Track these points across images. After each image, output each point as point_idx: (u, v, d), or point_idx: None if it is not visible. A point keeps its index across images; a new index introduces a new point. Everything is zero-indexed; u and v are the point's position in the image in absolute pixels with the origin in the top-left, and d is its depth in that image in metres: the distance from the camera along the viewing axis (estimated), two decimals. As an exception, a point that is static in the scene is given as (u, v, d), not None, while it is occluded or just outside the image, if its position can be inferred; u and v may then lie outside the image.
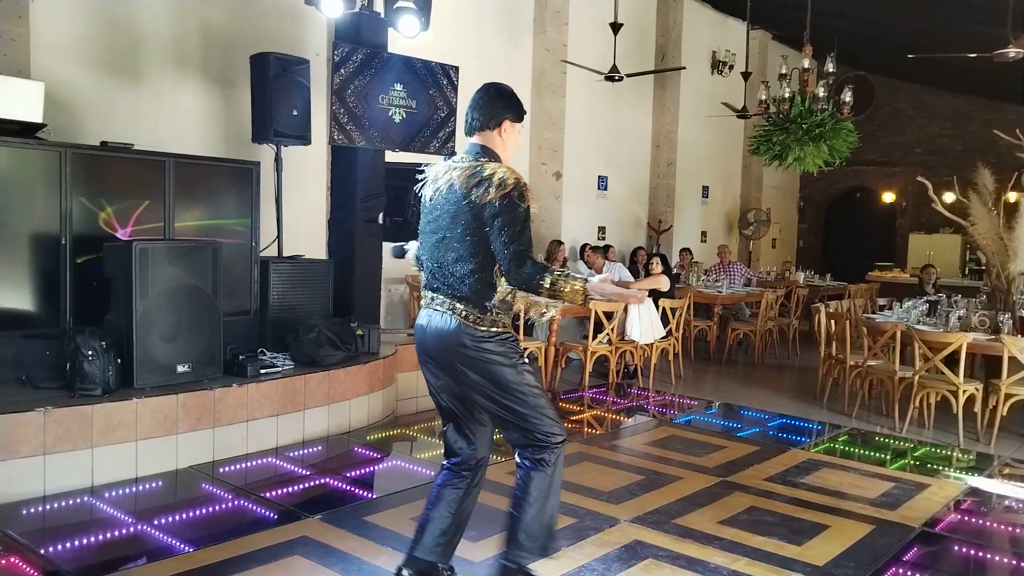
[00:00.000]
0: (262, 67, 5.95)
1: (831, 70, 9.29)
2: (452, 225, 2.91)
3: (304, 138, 6.18)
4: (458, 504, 3.10)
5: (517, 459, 3.00)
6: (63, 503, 4.12)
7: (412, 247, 3.37)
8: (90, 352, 4.44)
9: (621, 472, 4.94)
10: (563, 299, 2.79)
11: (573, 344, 7.65)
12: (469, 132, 3.06)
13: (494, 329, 2.90)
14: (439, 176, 3.01)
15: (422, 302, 3.04)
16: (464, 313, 2.88)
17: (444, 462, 3.16)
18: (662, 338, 7.86)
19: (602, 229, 11.62)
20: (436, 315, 2.95)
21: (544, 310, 3.16)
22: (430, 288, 3.00)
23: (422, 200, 3.09)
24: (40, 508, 4.05)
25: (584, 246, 10.45)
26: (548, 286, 2.75)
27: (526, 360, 3.02)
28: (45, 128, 4.96)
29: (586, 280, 2.77)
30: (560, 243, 9.52)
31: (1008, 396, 5.95)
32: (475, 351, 2.88)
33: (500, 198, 2.80)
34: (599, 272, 8.48)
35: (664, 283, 8.25)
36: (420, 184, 3.11)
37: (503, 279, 2.89)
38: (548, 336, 7.42)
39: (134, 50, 6.33)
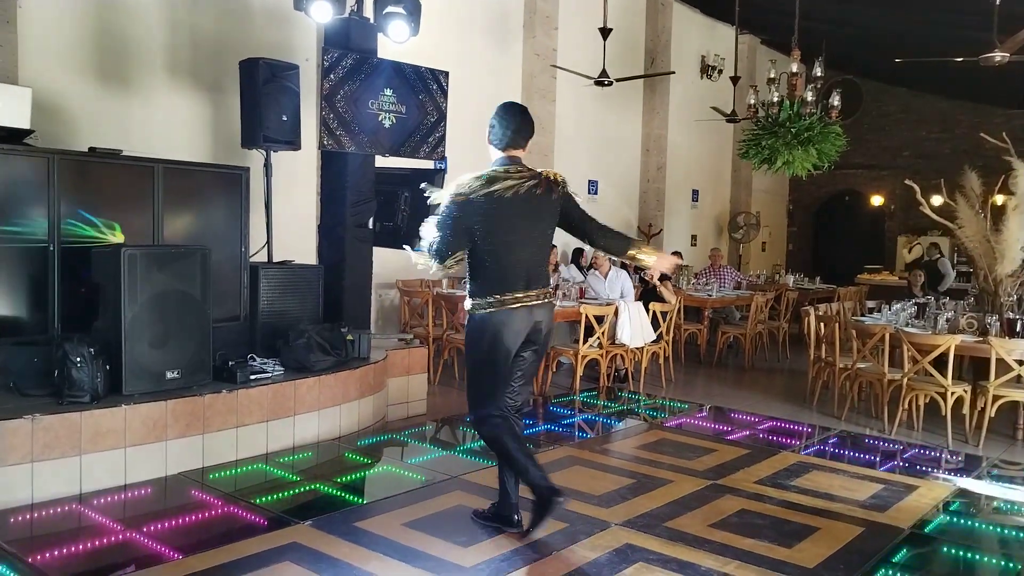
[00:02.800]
0: (251, 72, 5.95)
1: (819, 74, 9.36)
2: (534, 227, 3.75)
3: (294, 143, 6.17)
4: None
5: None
6: (51, 511, 4.10)
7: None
8: (78, 359, 4.42)
9: (612, 476, 4.94)
10: (642, 261, 3.94)
11: (564, 348, 7.65)
12: (510, 147, 3.78)
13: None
14: (498, 185, 3.65)
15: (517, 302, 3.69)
16: (547, 292, 3.81)
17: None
18: (652, 341, 7.88)
19: (592, 233, 11.62)
20: (541, 296, 3.76)
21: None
22: (523, 282, 3.71)
23: (502, 205, 3.66)
24: (28, 516, 4.02)
25: (579, 251, 10.48)
26: (634, 248, 3.91)
27: None
28: (33, 134, 4.95)
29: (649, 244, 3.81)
30: (553, 245, 9.51)
31: (996, 398, 5.98)
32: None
33: (572, 194, 3.85)
34: (605, 277, 8.47)
35: (671, 294, 8.30)
36: (471, 192, 3.67)
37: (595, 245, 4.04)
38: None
39: (123, 56, 6.32)
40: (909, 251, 14.21)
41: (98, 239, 5.04)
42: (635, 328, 7.64)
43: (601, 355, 7.55)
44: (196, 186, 5.69)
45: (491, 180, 3.64)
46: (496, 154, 3.82)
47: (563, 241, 10.71)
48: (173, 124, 6.58)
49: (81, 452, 4.31)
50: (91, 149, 5.26)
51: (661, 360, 8.12)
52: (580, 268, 9.94)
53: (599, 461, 5.29)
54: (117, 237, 5.12)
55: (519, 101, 10.03)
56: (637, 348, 7.75)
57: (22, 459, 4.11)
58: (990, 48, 7.93)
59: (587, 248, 10.30)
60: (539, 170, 3.72)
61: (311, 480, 4.76)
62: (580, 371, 7.46)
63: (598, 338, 7.40)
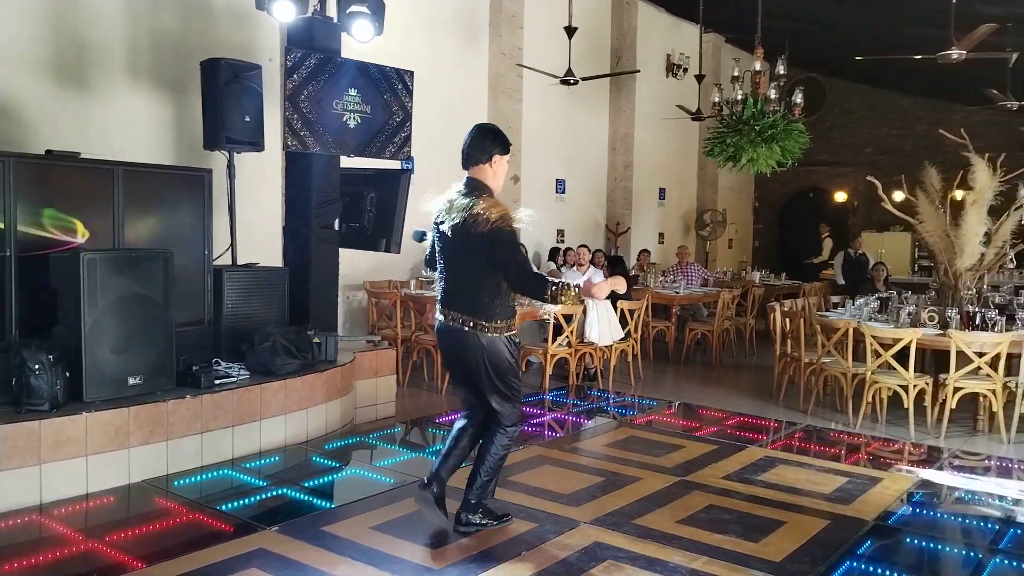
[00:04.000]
0: (213, 73, 5.87)
1: (782, 72, 9.45)
2: (461, 251, 3.71)
3: (257, 144, 6.10)
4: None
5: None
6: (10, 522, 4.01)
7: (430, 234, 4.03)
8: (37, 366, 4.33)
9: (581, 474, 4.95)
10: (563, 303, 3.66)
11: (533, 347, 7.66)
12: (466, 167, 3.81)
13: (497, 334, 3.75)
14: (447, 207, 3.75)
15: (439, 313, 3.88)
16: (472, 321, 3.73)
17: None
18: (621, 339, 7.91)
19: (560, 232, 11.67)
20: (451, 325, 3.78)
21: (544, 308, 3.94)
22: (447, 303, 3.81)
23: (437, 228, 3.83)
24: (-14, 527, 3.93)
25: (555, 250, 10.52)
26: (549, 295, 3.59)
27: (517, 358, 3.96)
28: (-13, 137, 4.84)
29: (579, 286, 3.72)
30: (521, 245, 9.52)
31: (956, 390, 6.09)
32: (483, 349, 3.76)
33: (492, 228, 3.57)
34: (585, 271, 8.48)
35: (621, 285, 8.27)
36: (435, 215, 3.83)
37: (508, 291, 3.76)
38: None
39: (82, 56, 6.21)
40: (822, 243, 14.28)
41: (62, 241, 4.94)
42: (604, 327, 7.66)
43: (570, 354, 7.57)
44: (157, 188, 5.60)
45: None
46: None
47: (530, 241, 10.73)
48: (133, 125, 6.47)
49: (41, 461, 4.23)
50: (48, 152, 5.15)
51: (630, 358, 8.16)
52: (558, 267, 9.95)
53: (568, 460, 5.30)
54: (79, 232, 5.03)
55: (486, 100, 10.09)
56: (606, 346, 7.78)
57: (-21, 469, 4.02)
58: (948, 46, 8.07)
59: (562, 247, 10.36)
60: (470, 200, 3.68)
61: (278, 485, 4.71)
62: (549, 370, 7.47)
63: (567, 337, 7.41)
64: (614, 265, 9.58)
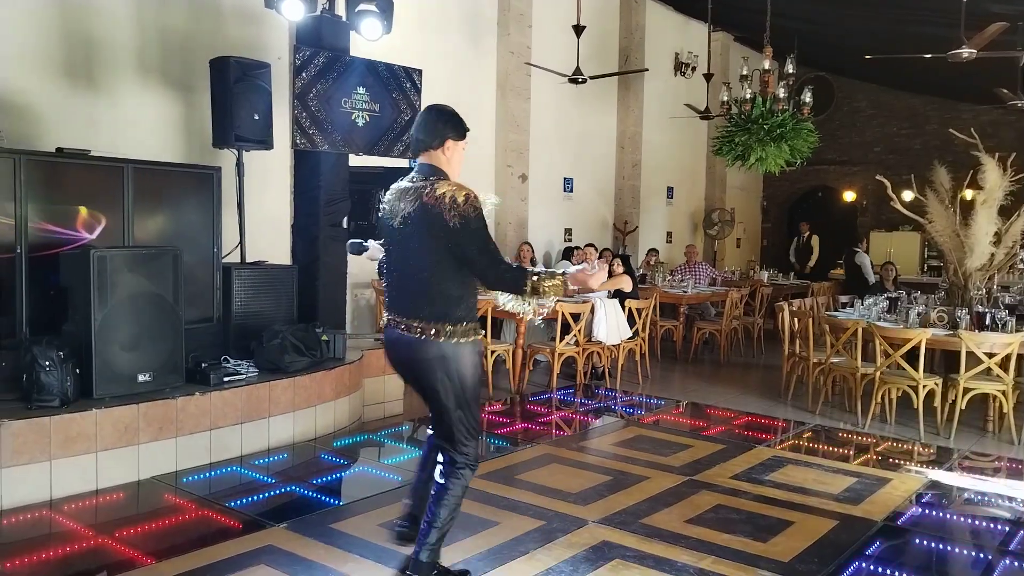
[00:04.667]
0: (222, 71, 5.89)
1: (791, 71, 9.43)
2: (417, 245, 3.11)
3: (266, 142, 6.11)
4: None
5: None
6: (21, 517, 4.03)
7: (372, 245, 3.68)
8: (47, 362, 4.36)
9: (589, 473, 4.95)
10: (546, 295, 3.04)
11: (540, 346, 7.65)
12: (415, 153, 3.28)
13: (465, 339, 3.13)
14: (396, 199, 3.23)
15: (389, 320, 3.26)
16: (432, 328, 3.10)
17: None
18: (629, 338, 7.90)
19: (568, 231, 11.66)
20: (404, 334, 3.17)
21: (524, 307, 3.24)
22: (397, 309, 3.22)
23: (385, 223, 3.28)
24: (-3, 523, 3.96)
25: (569, 250, 10.53)
26: (530, 287, 3.00)
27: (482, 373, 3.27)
28: (-2, 134, 4.86)
29: (564, 273, 3.09)
30: (527, 244, 9.53)
31: (966, 390, 6.06)
32: (444, 360, 3.12)
33: (459, 213, 2.99)
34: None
35: (626, 283, 8.29)
36: (382, 207, 3.30)
37: (475, 287, 3.15)
38: (516, 338, 7.43)
39: (91, 54, 6.23)
40: (801, 241, 14.29)
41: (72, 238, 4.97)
42: (611, 325, 7.66)
43: (578, 353, 7.56)
44: (167, 186, 5.62)
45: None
46: None
47: (537, 240, 10.73)
48: (143, 124, 6.49)
49: (51, 457, 4.25)
50: (59, 149, 5.17)
51: (637, 357, 8.14)
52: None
53: (576, 459, 5.30)
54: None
55: (494, 99, 10.08)
56: (613, 345, 7.77)
57: (-10, 465, 4.04)
58: (958, 45, 8.02)
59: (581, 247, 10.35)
60: (431, 183, 3.14)
61: (286, 482, 4.73)
62: (557, 369, 7.47)
63: (574, 336, 7.41)
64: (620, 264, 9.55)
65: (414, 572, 3.21)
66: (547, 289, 3.01)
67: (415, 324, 3.13)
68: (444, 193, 3.03)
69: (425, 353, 3.12)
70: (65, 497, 4.27)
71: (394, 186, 3.30)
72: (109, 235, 5.19)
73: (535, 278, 3.00)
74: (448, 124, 3.25)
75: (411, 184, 3.21)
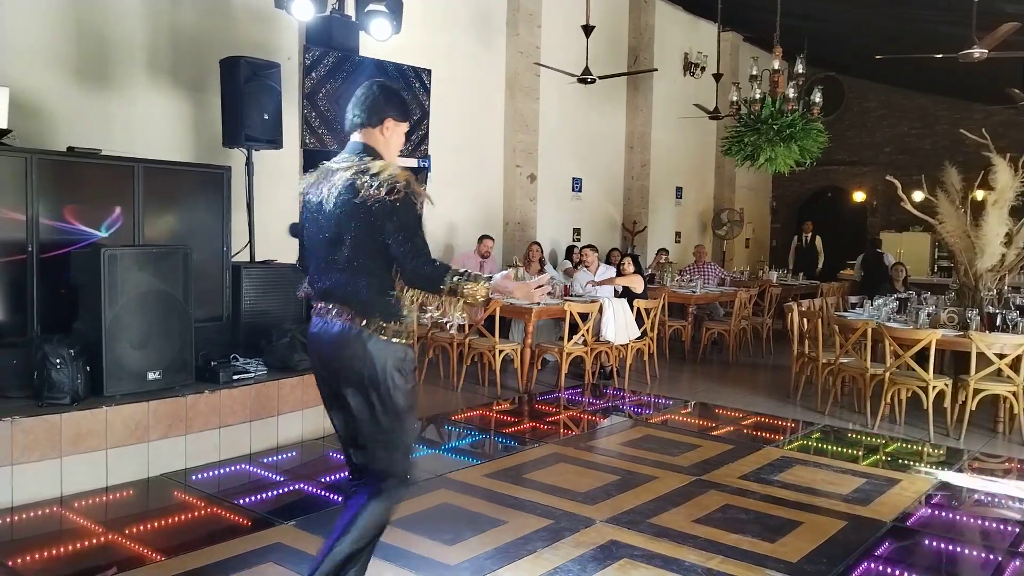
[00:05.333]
0: (232, 71, 5.91)
1: (801, 71, 9.40)
2: (342, 228, 2.74)
3: (275, 142, 6.14)
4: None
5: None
6: (32, 514, 4.06)
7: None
8: (58, 360, 4.38)
9: (597, 472, 4.95)
10: (465, 299, 2.69)
11: (548, 345, 7.65)
12: (350, 130, 2.93)
13: (396, 340, 2.77)
14: (322, 178, 2.87)
15: (315, 310, 2.89)
16: (361, 320, 2.74)
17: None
18: (637, 338, 7.89)
19: (577, 231, 11.66)
20: (332, 323, 2.79)
21: (448, 313, 2.98)
22: (322, 296, 2.85)
23: (306, 205, 2.92)
24: (8, 519, 3.98)
25: (572, 248, 10.53)
26: (448, 287, 2.66)
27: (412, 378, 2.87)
28: (10, 134, 4.89)
29: (489, 278, 2.72)
30: (536, 243, 9.54)
31: (977, 391, 6.03)
32: (371, 359, 2.73)
33: (392, 198, 2.66)
34: (594, 272, 8.50)
35: (637, 282, 8.28)
36: (302, 187, 2.95)
37: (399, 282, 2.77)
38: (524, 338, 7.43)
39: (102, 54, 6.26)
40: (804, 241, 14.20)
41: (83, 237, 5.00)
42: (619, 325, 7.65)
43: (586, 352, 7.56)
44: (177, 185, 5.65)
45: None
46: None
47: (546, 240, 10.73)
48: (153, 123, 6.53)
49: (62, 454, 4.28)
50: (70, 149, 5.21)
51: (646, 357, 8.13)
52: (574, 266, 9.94)
53: (584, 458, 5.30)
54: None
55: (503, 99, 10.09)
56: (622, 345, 7.77)
57: (1, 462, 4.07)
58: (969, 44, 7.99)
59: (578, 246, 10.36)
60: (365, 162, 2.80)
61: (295, 480, 4.74)
62: (565, 368, 7.47)
63: (583, 335, 7.41)
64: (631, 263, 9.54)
65: None
66: (466, 292, 2.66)
67: (345, 312, 2.76)
68: (378, 173, 2.70)
69: (350, 349, 2.74)
70: (75, 494, 4.30)
71: (320, 166, 2.95)
72: (120, 234, 5.22)
73: (455, 279, 2.65)
74: (390, 102, 2.91)
75: (339, 164, 2.85)
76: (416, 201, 2.70)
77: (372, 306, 2.74)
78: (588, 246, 9.27)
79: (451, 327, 2.97)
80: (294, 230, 3.52)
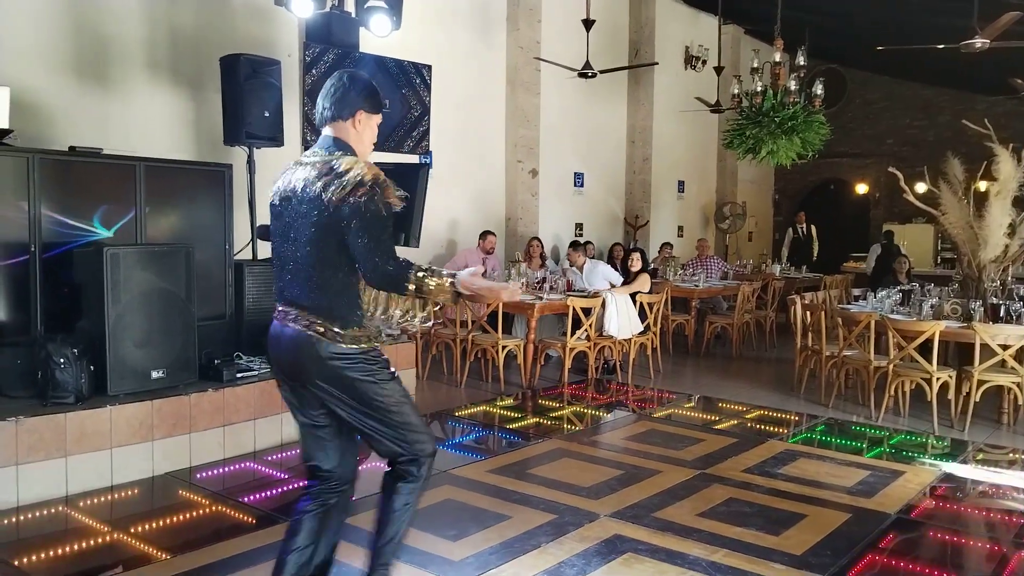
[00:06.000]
0: (232, 69, 5.91)
1: (802, 63, 9.38)
2: (306, 227, 2.66)
3: (276, 140, 6.14)
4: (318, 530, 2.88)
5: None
6: (37, 513, 4.07)
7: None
8: (62, 360, 4.39)
9: (600, 467, 4.95)
10: (431, 297, 2.62)
11: (551, 341, 7.65)
12: (321, 123, 2.82)
13: (355, 346, 2.69)
14: (290, 175, 2.78)
15: (276, 312, 2.82)
16: (321, 326, 2.66)
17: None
18: (640, 333, 7.89)
19: (579, 225, 11.65)
20: (290, 328, 2.72)
21: (412, 313, 2.95)
22: (283, 298, 2.78)
23: (272, 203, 2.84)
24: (14, 519, 3.99)
25: (572, 242, 10.53)
26: (413, 285, 2.58)
27: (392, 371, 2.82)
28: (11, 134, 4.90)
29: (454, 275, 2.62)
30: (537, 239, 9.53)
31: (981, 383, 6.02)
32: (334, 365, 2.67)
33: (358, 196, 2.56)
34: (580, 271, 8.51)
35: (645, 284, 8.22)
36: (275, 185, 2.86)
37: (364, 284, 2.69)
38: (527, 333, 7.43)
39: (102, 53, 6.26)
40: (801, 233, 14.09)
41: (86, 236, 5.01)
42: (622, 320, 7.65)
43: (589, 347, 7.56)
44: (178, 184, 5.65)
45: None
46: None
47: (548, 235, 10.73)
48: (154, 121, 6.53)
49: (66, 454, 4.29)
50: (71, 148, 5.21)
51: (649, 351, 8.13)
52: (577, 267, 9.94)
53: (588, 453, 5.30)
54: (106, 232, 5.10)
55: (504, 94, 10.08)
56: (625, 340, 7.76)
57: (6, 462, 4.08)
58: (971, 35, 7.96)
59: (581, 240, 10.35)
60: (333, 158, 2.71)
61: (300, 478, 4.74)
62: (568, 363, 7.46)
63: (585, 330, 7.40)
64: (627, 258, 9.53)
65: None
66: (432, 288, 2.58)
67: (304, 318, 2.69)
68: (348, 170, 2.61)
69: (311, 354, 2.66)
70: (80, 493, 4.31)
71: (291, 162, 2.86)
72: (122, 233, 5.22)
73: (419, 274, 2.57)
74: (362, 94, 2.79)
75: (310, 159, 2.76)
76: (383, 200, 2.59)
77: (333, 310, 2.67)
78: (588, 242, 9.29)
79: (415, 329, 2.90)
80: (262, 231, 3.40)
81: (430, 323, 2.80)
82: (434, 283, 2.59)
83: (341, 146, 2.76)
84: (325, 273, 2.67)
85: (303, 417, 2.85)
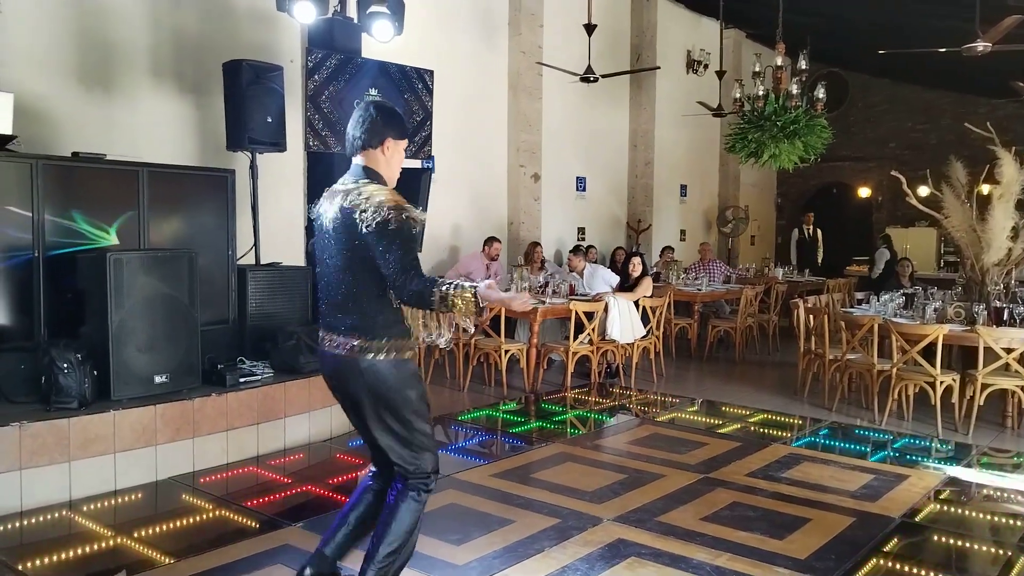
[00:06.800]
0: (235, 74, 5.92)
1: (804, 67, 9.38)
2: (338, 253, 2.88)
3: (279, 145, 6.14)
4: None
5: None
6: (41, 518, 4.07)
7: None
8: (65, 365, 4.40)
9: (604, 471, 4.95)
10: (456, 310, 2.74)
11: (554, 345, 7.65)
12: (352, 153, 3.02)
13: (390, 356, 2.87)
14: (327, 203, 2.97)
15: (320, 335, 3.02)
16: (357, 341, 2.87)
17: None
18: (643, 337, 7.88)
19: (581, 230, 11.66)
20: (331, 350, 2.94)
21: (439, 332, 3.04)
22: (324, 322, 2.99)
23: (316, 227, 3.04)
24: (17, 524, 4.00)
25: (575, 247, 10.54)
26: (439, 299, 2.72)
27: (421, 384, 3.02)
28: (15, 140, 4.91)
29: (475, 286, 2.76)
30: (537, 244, 9.54)
31: (984, 386, 6.01)
32: (369, 376, 2.87)
33: (380, 222, 2.75)
34: (581, 275, 8.52)
35: (647, 289, 8.21)
36: (314, 211, 3.06)
37: (394, 301, 2.86)
38: (529, 338, 7.43)
39: (105, 59, 6.28)
40: (808, 234, 13.96)
41: (89, 242, 5.01)
42: (625, 324, 7.64)
43: (592, 351, 7.55)
44: (181, 189, 5.66)
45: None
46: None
47: (550, 239, 10.73)
48: (157, 127, 6.54)
49: (70, 458, 4.29)
50: (74, 154, 5.21)
51: (652, 355, 8.13)
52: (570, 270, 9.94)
53: (591, 457, 5.30)
54: (109, 238, 5.11)
55: (506, 99, 10.09)
56: (628, 344, 7.76)
57: (10, 467, 4.08)
58: (973, 38, 7.96)
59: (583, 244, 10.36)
60: (359, 186, 2.91)
61: (302, 482, 4.75)
62: (571, 367, 7.46)
63: (588, 334, 7.40)
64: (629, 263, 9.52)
65: None
66: (458, 303, 2.71)
67: (337, 340, 2.92)
68: (370, 197, 2.81)
69: (347, 371, 2.90)
70: (84, 498, 4.31)
71: (329, 189, 3.05)
72: (125, 238, 5.23)
73: (444, 288, 2.72)
74: (388, 123, 3.00)
75: (342, 187, 2.96)
76: (406, 223, 2.78)
77: (370, 329, 2.86)
78: (573, 249, 9.33)
79: (442, 342, 3.02)
80: (309, 253, 3.58)
81: (451, 339, 2.88)
82: (460, 294, 2.72)
83: (369, 174, 2.96)
84: (358, 294, 2.88)
85: (359, 425, 3.06)
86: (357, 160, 3.00)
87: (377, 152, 2.98)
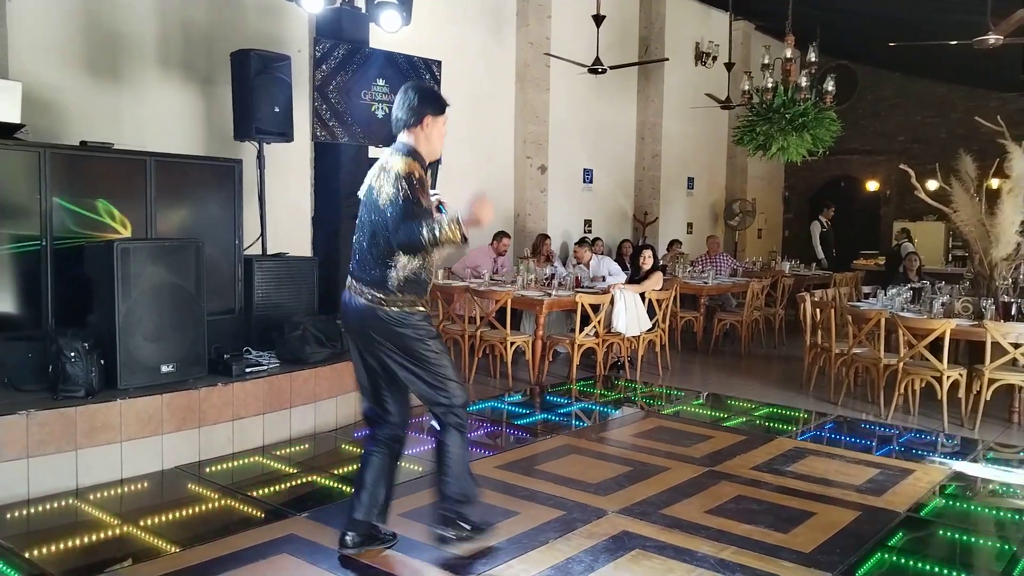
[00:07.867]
0: (243, 64, 5.91)
1: (813, 60, 9.33)
2: (368, 215, 3.34)
3: (286, 135, 6.14)
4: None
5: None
6: (48, 506, 4.10)
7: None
8: (73, 353, 4.41)
9: (608, 464, 4.95)
10: (447, 241, 3.12)
11: (560, 337, 7.65)
12: (397, 131, 3.40)
13: (408, 309, 3.33)
14: (370, 172, 3.43)
15: (348, 284, 3.44)
16: (381, 294, 3.30)
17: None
18: (649, 329, 7.88)
19: (588, 222, 11.64)
20: (357, 299, 3.36)
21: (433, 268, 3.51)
22: (353, 275, 3.42)
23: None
24: (24, 512, 4.02)
25: (581, 239, 10.53)
26: (428, 234, 3.08)
27: (435, 331, 3.47)
28: (24, 128, 4.92)
29: (456, 217, 3.16)
30: (547, 237, 9.53)
31: (992, 381, 5.99)
32: (390, 325, 3.32)
33: (392, 186, 3.19)
34: (587, 267, 8.51)
35: (658, 282, 8.19)
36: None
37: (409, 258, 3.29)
38: (535, 330, 7.42)
39: (114, 49, 6.28)
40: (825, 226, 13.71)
41: (97, 232, 5.03)
42: (631, 317, 7.63)
43: (597, 344, 7.55)
44: (189, 179, 5.67)
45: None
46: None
47: (557, 231, 10.71)
48: (165, 117, 6.55)
49: (77, 447, 4.31)
50: (82, 143, 5.23)
51: (657, 348, 8.12)
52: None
53: (596, 449, 5.30)
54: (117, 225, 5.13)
55: (513, 90, 10.07)
56: (633, 336, 7.75)
57: (18, 455, 4.10)
58: (984, 31, 7.90)
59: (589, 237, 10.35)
60: (389, 159, 3.33)
61: (308, 472, 4.76)
62: (577, 360, 7.46)
63: (594, 327, 7.40)
64: (637, 255, 9.51)
65: (442, 525, 3.53)
66: (445, 232, 3.10)
67: (363, 289, 3.34)
68: (390, 170, 3.23)
69: (371, 316, 3.30)
70: (91, 486, 4.33)
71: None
72: (132, 227, 5.24)
73: (430, 222, 3.10)
74: (425, 101, 3.37)
75: (381, 160, 3.39)
76: (410, 187, 3.16)
77: (387, 282, 3.29)
78: (579, 241, 9.32)
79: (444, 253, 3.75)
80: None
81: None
82: (448, 227, 3.10)
83: (406, 148, 3.33)
84: (378, 254, 3.30)
85: (368, 372, 3.46)
86: (401, 137, 3.37)
87: (417, 129, 3.36)
